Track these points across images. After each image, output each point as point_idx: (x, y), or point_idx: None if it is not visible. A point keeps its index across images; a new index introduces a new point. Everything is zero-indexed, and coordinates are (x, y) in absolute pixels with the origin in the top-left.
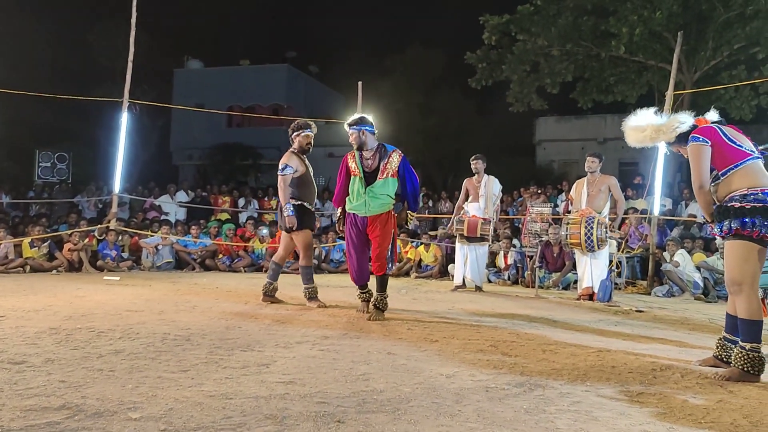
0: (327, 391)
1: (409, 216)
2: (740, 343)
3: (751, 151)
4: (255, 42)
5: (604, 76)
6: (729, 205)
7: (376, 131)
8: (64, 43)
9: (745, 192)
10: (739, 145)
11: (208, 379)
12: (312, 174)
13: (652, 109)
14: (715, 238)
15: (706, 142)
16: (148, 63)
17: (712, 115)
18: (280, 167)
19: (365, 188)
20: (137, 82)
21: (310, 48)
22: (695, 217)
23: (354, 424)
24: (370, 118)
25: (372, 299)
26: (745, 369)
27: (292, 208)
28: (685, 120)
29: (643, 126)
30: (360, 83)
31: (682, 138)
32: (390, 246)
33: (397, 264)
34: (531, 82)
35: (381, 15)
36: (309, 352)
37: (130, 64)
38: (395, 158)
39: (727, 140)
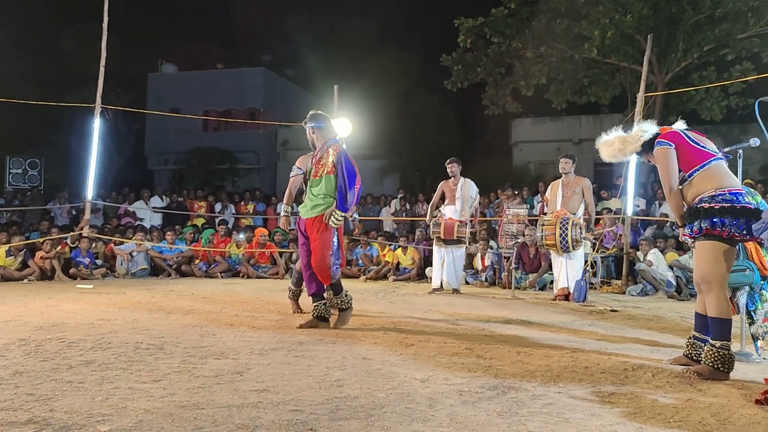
0: (300, 399)
1: (335, 216)
2: (710, 341)
3: (714, 152)
4: (230, 45)
5: (578, 78)
6: (699, 206)
7: (323, 125)
8: (34, 48)
9: (713, 193)
10: (702, 147)
11: (180, 388)
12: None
13: (607, 133)
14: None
15: (670, 145)
16: (121, 67)
17: (679, 124)
18: None
19: (307, 188)
20: (110, 87)
21: (287, 51)
22: (667, 216)
23: (326, 431)
24: (321, 113)
25: (329, 305)
26: (716, 366)
27: (284, 210)
28: (648, 128)
29: (611, 140)
30: (336, 86)
31: (647, 146)
32: (332, 253)
33: (343, 268)
34: (506, 84)
35: (357, 18)
36: (284, 359)
37: (102, 69)
38: (331, 153)
39: (690, 142)
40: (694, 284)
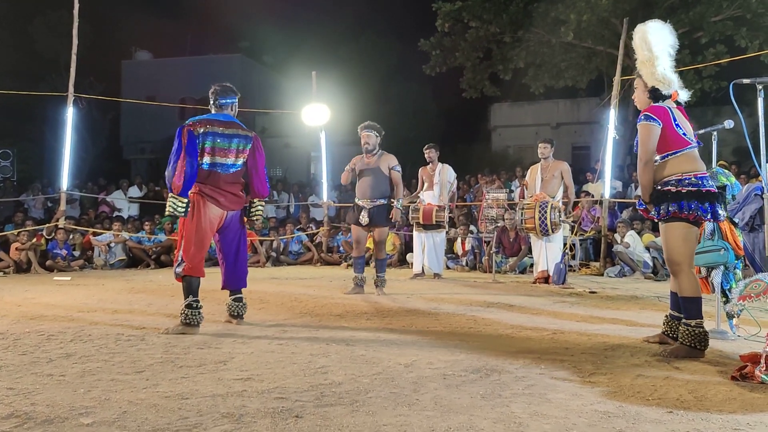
0: (285, 386)
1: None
2: (684, 320)
3: (690, 140)
4: (206, 32)
5: (555, 62)
6: (665, 189)
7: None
8: (3, 36)
9: (680, 177)
10: (683, 133)
11: (164, 379)
12: (368, 171)
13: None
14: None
15: (658, 123)
16: (93, 55)
17: (684, 95)
18: None
19: None
20: (83, 76)
21: (264, 38)
22: (638, 198)
23: (312, 418)
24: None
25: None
26: (692, 345)
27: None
28: (673, 82)
29: (648, 56)
30: (314, 73)
31: (652, 94)
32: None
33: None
34: (484, 68)
35: (335, 3)
36: (267, 347)
37: (74, 57)
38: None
39: (674, 126)
40: (666, 265)
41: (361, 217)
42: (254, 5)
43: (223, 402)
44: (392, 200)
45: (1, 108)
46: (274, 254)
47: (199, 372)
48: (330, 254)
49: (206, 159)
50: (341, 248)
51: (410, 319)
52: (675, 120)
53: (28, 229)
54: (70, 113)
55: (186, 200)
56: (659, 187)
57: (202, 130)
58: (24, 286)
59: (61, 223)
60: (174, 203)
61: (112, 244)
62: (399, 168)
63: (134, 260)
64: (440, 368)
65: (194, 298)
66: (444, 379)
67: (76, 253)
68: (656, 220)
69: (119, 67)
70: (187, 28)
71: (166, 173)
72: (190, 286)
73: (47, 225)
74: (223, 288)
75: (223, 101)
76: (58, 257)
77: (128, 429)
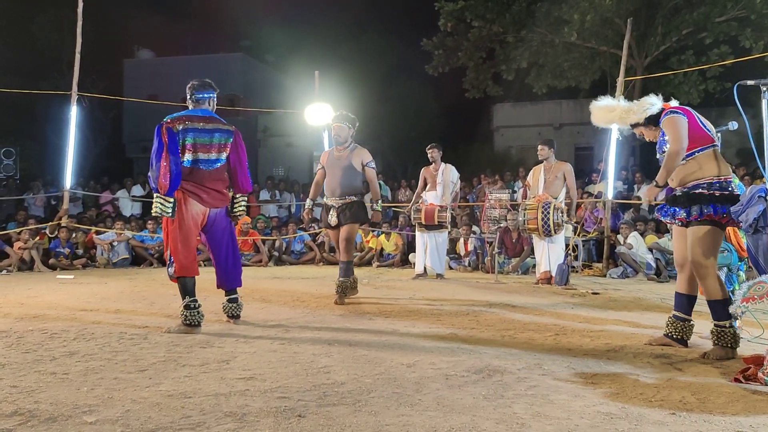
0: (288, 386)
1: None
2: (716, 323)
3: (714, 136)
4: (208, 31)
5: (558, 62)
6: (698, 192)
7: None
8: (5, 34)
9: (711, 180)
10: (708, 130)
11: (167, 378)
12: (338, 166)
13: (609, 98)
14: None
15: (684, 116)
16: (96, 54)
17: (675, 103)
18: None
19: None
20: (86, 74)
21: (266, 37)
22: (639, 199)
23: (315, 417)
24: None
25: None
26: (730, 345)
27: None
28: (655, 102)
29: (613, 106)
30: (317, 72)
31: (651, 120)
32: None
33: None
34: (487, 68)
35: (337, 2)
36: (270, 347)
37: (77, 56)
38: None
39: (699, 122)
40: (676, 265)
41: (330, 217)
42: (256, 4)
43: (226, 401)
44: (372, 202)
45: (4, 106)
46: (276, 254)
47: (202, 371)
48: (332, 254)
49: (188, 156)
50: None
51: (412, 319)
52: (698, 116)
53: (30, 227)
54: (73, 112)
55: (173, 200)
56: (688, 190)
57: (181, 127)
58: (27, 284)
59: (64, 221)
60: (161, 204)
61: (115, 243)
62: (373, 164)
63: (137, 259)
64: (443, 368)
65: (191, 299)
66: (446, 379)
67: (79, 252)
68: (684, 222)
69: (121, 65)
70: (189, 26)
71: (149, 174)
72: (185, 286)
73: (50, 223)
74: (218, 287)
75: (200, 96)
76: (60, 256)
77: (131, 427)
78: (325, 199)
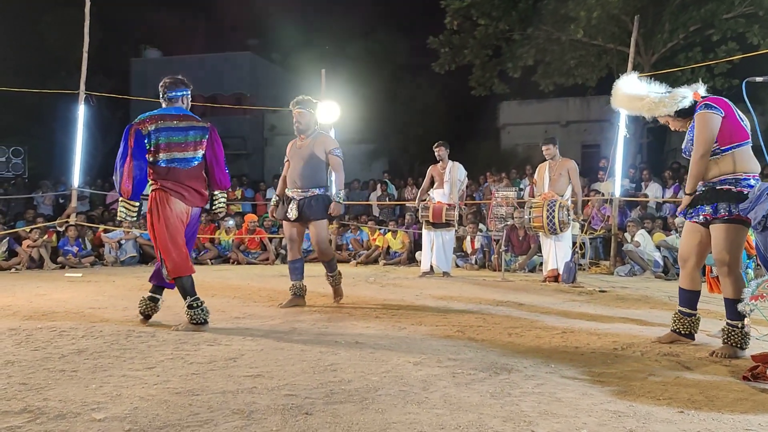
0: (295, 383)
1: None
2: (729, 321)
3: (749, 132)
4: (215, 30)
5: (565, 60)
6: (725, 188)
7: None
8: (13, 34)
9: (740, 176)
10: (745, 125)
11: (174, 375)
12: (300, 156)
13: (638, 80)
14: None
15: (721, 113)
16: (103, 53)
17: (702, 90)
18: None
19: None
20: (93, 73)
21: (273, 35)
22: (647, 196)
23: (322, 415)
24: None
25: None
26: (739, 345)
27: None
28: (687, 95)
29: (642, 95)
30: (323, 71)
31: (681, 112)
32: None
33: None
34: (493, 66)
35: (343, 1)
36: (277, 344)
37: (85, 55)
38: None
39: (737, 116)
40: (680, 260)
41: (288, 210)
42: (263, 3)
43: (234, 398)
44: (336, 193)
45: (12, 106)
46: (283, 252)
47: (210, 368)
48: (339, 252)
49: (162, 156)
50: (350, 246)
51: (419, 317)
52: (736, 110)
53: (39, 225)
54: (81, 111)
55: (137, 204)
56: (714, 185)
57: (152, 128)
58: (36, 282)
59: (72, 219)
60: (125, 208)
61: (123, 241)
62: (339, 152)
63: (145, 257)
64: (449, 366)
65: (192, 298)
66: (453, 377)
67: (87, 250)
68: (710, 218)
69: (128, 64)
70: (196, 25)
71: (113, 177)
72: (184, 287)
73: (58, 221)
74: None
75: (172, 94)
76: (69, 254)
77: (139, 425)
78: (287, 191)
